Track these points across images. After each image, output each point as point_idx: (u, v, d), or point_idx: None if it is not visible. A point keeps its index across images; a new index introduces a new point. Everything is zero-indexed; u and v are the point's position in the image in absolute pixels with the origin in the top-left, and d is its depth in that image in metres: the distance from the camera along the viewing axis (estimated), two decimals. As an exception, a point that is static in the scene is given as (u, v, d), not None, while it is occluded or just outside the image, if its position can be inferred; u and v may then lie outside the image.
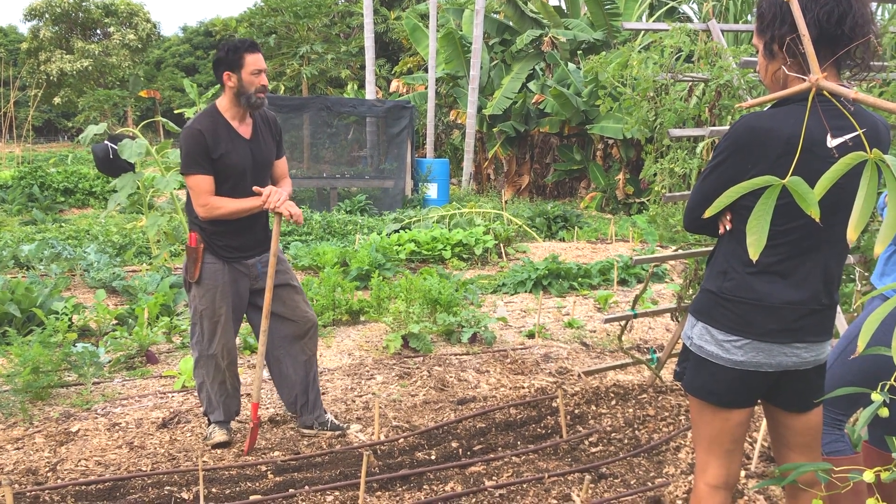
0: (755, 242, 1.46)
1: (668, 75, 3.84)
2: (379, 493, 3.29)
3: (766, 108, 2.04)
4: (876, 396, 1.76)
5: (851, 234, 1.36)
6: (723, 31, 4.13)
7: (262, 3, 28.88)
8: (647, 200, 15.04)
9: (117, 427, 4.12)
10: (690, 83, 3.90)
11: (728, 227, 2.09)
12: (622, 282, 8.04)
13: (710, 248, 4.05)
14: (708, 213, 1.48)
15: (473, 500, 3.21)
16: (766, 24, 1.98)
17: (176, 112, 13.35)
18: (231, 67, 3.59)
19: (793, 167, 1.48)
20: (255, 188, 3.64)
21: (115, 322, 5.78)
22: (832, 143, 1.94)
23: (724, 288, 2.08)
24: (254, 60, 3.59)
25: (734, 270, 2.06)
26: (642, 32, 18.07)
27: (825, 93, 1.30)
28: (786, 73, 1.96)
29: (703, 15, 13.71)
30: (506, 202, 14.71)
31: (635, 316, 4.36)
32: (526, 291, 7.56)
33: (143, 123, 7.70)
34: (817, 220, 1.68)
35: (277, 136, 3.89)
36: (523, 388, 4.82)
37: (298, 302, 3.90)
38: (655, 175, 3.83)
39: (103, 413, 4.33)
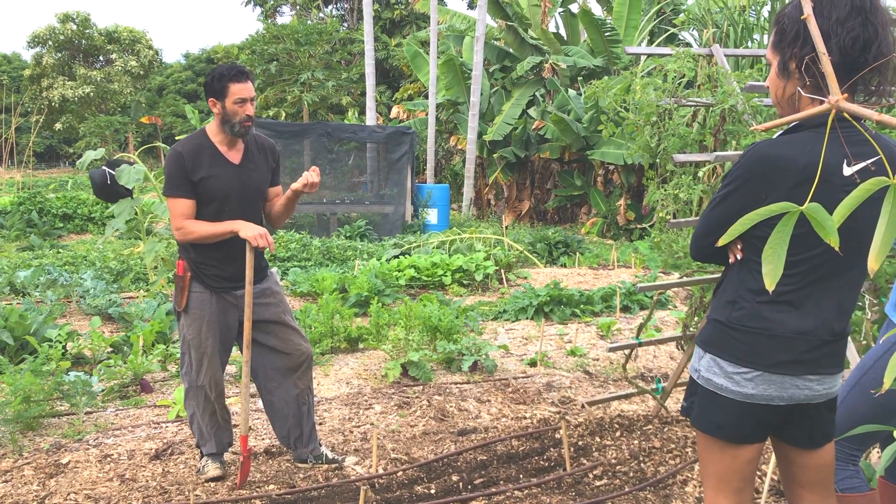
0: (771, 272, 1.38)
1: (672, 100, 3.78)
2: (376, 529, 3.18)
3: (777, 135, 1.96)
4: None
5: (873, 264, 1.29)
6: (725, 56, 4.08)
7: (263, 31, 29.06)
8: (649, 226, 14.99)
9: (109, 459, 4.02)
10: (694, 108, 3.83)
11: (739, 257, 2.01)
12: (625, 308, 7.95)
13: (716, 276, 3.98)
14: (721, 242, 1.40)
15: (474, 536, 3.10)
16: (786, 41, 1.90)
17: (177, 138, 13.35)
18: (216, 95, 3.53)
19: (810, 196, 1.41)
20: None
21: (109, 350, 5.68)
22: (848, 171, 1.87)
23: (733, 318, 2.00)
24: (239, 90, 3.52)
25: (744, 300, 1.98)
26: (643, 58, 18.16)
27: (846, 115, 1.23)
28: (800, 95, 1.89)
29: (704, 41, 13.75)
30: (506, 228, 14.65)
31: (640, 344, 4.27)
32: (527, 318, 7.46)
33: (142, 148, 7.65)
34: (837, 248, 1.60)
35: (274, 163, 3.82)
36: (525, 418, 4.71)
37: (292, 335, 3.80)
38: (659, 201, 3.76)
39: (95, 444, 4.23)
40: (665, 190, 3.79)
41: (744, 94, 3.61)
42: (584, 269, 10.58)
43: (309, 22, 30.06)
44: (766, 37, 14.42)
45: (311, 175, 3.57)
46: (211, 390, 3.70)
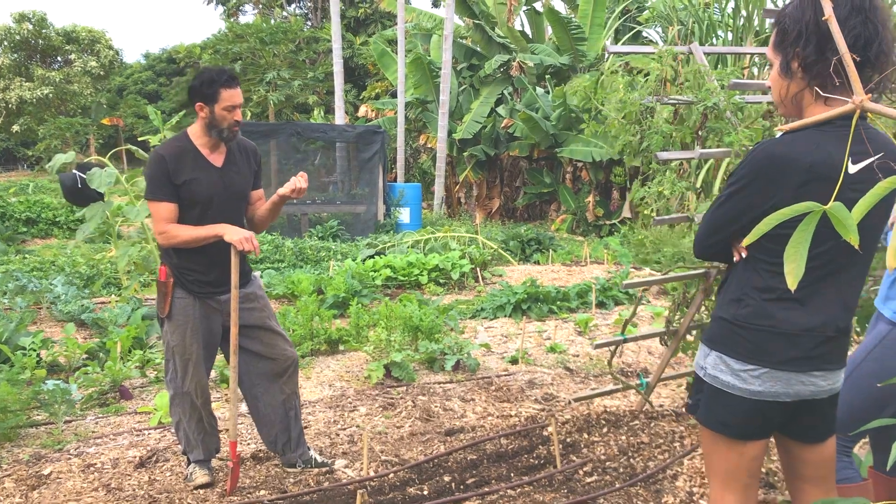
0: (794, 271, 1.40)
1: (654, 98, 3.81)
2: (372, 532, 3.17)
3: (780, 134, 1.98)
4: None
5: (892, 262, 1.31)
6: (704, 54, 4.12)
7: (226, 30, 28.76)
8: (619, 222, 15.13)
9: (92, 468, 3.94)
10: (676, 106, 3.87)
11: (743, 255, 2.02)
12: (600, 304, 8.01)
13: (701, 272, 4.02)
14: (746, 242, 1.41)
15: (471, 536, 3.10)
16: (788, 41, 1.91)
17: (140, 139, 13.14)
18: (204, 99, 3.47)
19: (834, 195, 1.42)
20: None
21: (85, 356, 5.58)
22: (853, 168, 1.89)
23: (739, 315, 2.01)
24: (229, 96, 3.47)
25: (750, 297, 2.00)
26: (608, 56, 18.30)
27: (869, 115, 1.25)
28: (804, 94, 1.92)
29: (670, 38, 13.90)
30: (477, 225, 14.68)
31: (625, 340, 4.30)
32: (505, 316, 7.48)
33: (112, 151, 7.52)
34: (856, 246, 1.62)
35: (256, 166, 3.77)
36: (511, 416, 4.72)
37: (277, 340, 3.76)
38: (644, 199, 3.79)
39: (76, 454, 4.15)
40: (649, 187, 3.82)
41: (725, 92, 3.64)
42: (557, 266, 10.63)
43: (273, 21, 29.80)
44: (730, 34, 14.63)
45: (299, 181, 3.53)
46: (197, 397, 3.65)
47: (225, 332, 3.69)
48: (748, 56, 12.76)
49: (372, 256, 10.07)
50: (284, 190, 3.54)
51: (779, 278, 1.95)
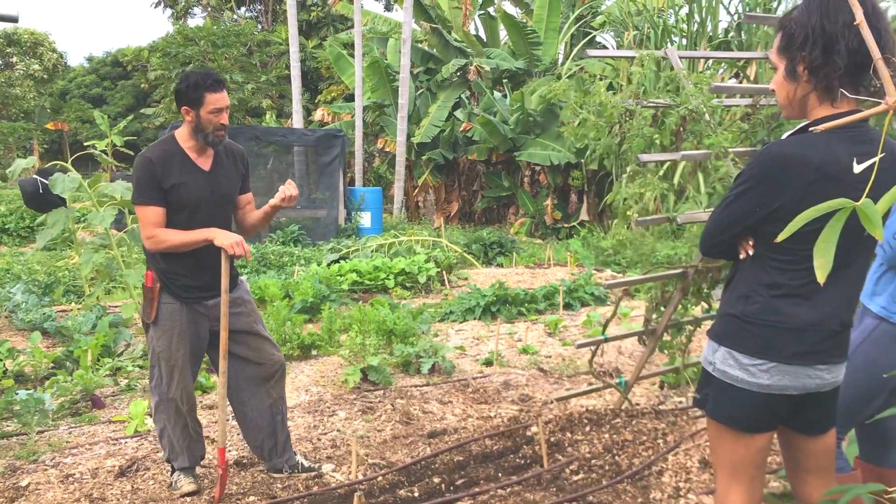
0: (823, 265, 1.45)
1: (634, 101, 3.88)
2: (367, 535, 3.16)
3: (786, 135, 2.04)
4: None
5: None
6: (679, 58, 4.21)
7: (174, 33, 28.26)
8: (578, 224, 15.30)
9: (71, 479, 3.85)
10: (656, 109, 3.95)
11: (750, 252, 2.08)
12: (567, 306, 8.10)
13: (679, 272, 4.11)
14: (781, 238, 1.45)
15: (466, 537, 3.12)
16: (795, 45, 1.97)
17: (85, 144, 12.86)
18: (190, 104, 3.44)
19: (866, 192, 1.47)
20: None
21: (52, 366, 5.45)
22: (858, 168, 1.96)
23: (747, 311, 2.07)
24: (215, 99, 3.44)
25: (757, 294, 2.06)
26: (561, 62, 18.51)
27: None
28: (808, 97, 1.98)
29: (626, 44, 14.12)
30: (437, 229, 14.71)
31: (606, 340, 4.36)
32: (475, 318, 7.52)
33: (75, 156, 7.35)
34: (881, 240, 1.68)
35: (243, 169, 3.75)
36: (491, 417, 4.75)
37: (264, 345, 3.74)
38: (626, 200, 3.85)
39: (53, 464, 4.05)
40: (629, 189, 3.88)
41: (704, 95, 3.73)
42: (521, 269, 10.72)
43: (223, 24, 29.41)
44: (684, 39, 14.93)
45: (289, 188, 3.50)
46: (182, 403, 3.60)
47: (212, 338, 3.65)
48: (702, 61, 13.05)
49: (336, 261, 10.02)
50: (276, 200, 3.52)
51: (786, 275, 2.01)
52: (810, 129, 1.69)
